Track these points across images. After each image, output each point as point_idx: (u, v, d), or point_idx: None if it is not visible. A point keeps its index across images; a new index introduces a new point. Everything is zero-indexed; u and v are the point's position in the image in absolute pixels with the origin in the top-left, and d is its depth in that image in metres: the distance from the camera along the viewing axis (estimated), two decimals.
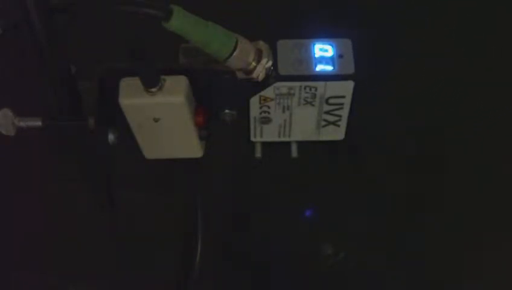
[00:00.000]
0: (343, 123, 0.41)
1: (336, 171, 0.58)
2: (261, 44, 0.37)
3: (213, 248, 0.54)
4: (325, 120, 0.41)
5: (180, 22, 0.33)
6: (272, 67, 0.37)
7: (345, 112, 0.40)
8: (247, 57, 0.36)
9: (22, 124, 0.38)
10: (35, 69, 0.35)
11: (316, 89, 0.38)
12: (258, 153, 0.43)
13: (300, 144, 0.43)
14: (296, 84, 0.38)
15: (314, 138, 0.42)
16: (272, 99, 0.39)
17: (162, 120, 0.39)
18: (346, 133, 0.42)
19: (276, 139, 0.42)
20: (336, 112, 0.40)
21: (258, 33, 0.38)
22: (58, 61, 0.35)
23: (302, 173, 0.56)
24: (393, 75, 0.59)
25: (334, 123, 0.41)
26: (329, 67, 0.37)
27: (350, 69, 0.37)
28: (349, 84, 0.38)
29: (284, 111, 0.40)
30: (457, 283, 0.54)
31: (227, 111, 0.41)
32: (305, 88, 0.38)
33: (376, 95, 0.55)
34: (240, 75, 0.38)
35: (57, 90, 0.37)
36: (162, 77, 0.37)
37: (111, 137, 0.40)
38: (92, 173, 0.44)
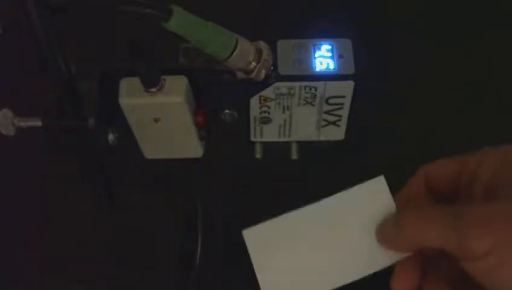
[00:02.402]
0: (343, 123, 0.41)
1: (336, 171, 0.58)
2: (261, 44, 0.37)
3: (213, 248, 0.54)
4: (325, 120, 0.41)
5: (180, 22, 0.33)
6: (272, 67, 0.37)
7: (345, 112, 0.40)
8: (247, 57, 0.36)
9: (22, 124, 0.38)
10: (35, 69, 0.35)
11: (316, 89, 0.38)
12: (258, 153, 0.43)
13: (300, 144, 0.43)
14: (296, 84, 0.38)
15: (314, 138, 0.42)
16: (272, 99, 0.39)
17: (162, 120, 0.39)
18: (346, 133, 0.42)
19: (276, 139, 0.42)
20: (336, 112, 0.40)
21: (258, 33, 0.38)
22: (58, 61, 0.35)
23: (302, 174, 0.56)
24: (394, 75, 0.59)
25: (334, 123, 0.41)
26: (329, 67, 0.37)
27: (350, 69, 0.37)
28: (349, 84, 0.38)
29: (284, 111, 0.40)
30: None
31: (227, 111, 0.41)
32: (305, 88, 0.38)
33: (376, 94, 0.55)
34: (240, 75, 0.38)
35: (57, 90, 0.37)
36: (162, 77, 0.37)
37: (111, 137, 0.40)
38: (92, 173, 0.44)
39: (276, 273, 0.36)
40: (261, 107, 0.39)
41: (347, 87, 0.38)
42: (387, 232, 0.35)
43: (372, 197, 0.36)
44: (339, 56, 0.37)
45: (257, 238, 0.37)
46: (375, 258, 0.36)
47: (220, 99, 0.40)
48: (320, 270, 0.36)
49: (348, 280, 0.36)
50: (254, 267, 0.37)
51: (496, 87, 0.60)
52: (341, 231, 0.36)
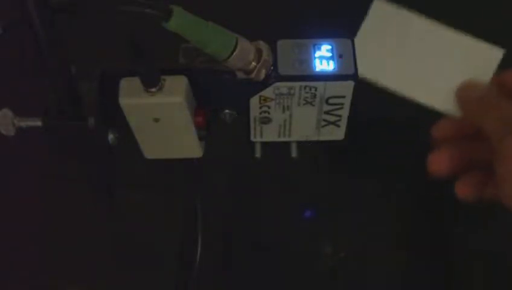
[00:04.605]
0: (343, 123, 0.41)
1: (336, 171, 0.58)
2: (261, 44, 0.37)
3: (213, 248, 0.54)
4: (325, 120, 0.41)
5: (180, 22, 0.33)
6: (272, 67, 0.37)
7: (345, 112, 0.40)
8: (247, 57, 0.36)
9: (22, 124, 0.38)
10: (35, 69, 0.35)
11: (316, 89, 0.38)
12: (258, 153, 0.43)
13: (300, 144, 0.43)
14: (296, 84, 0.38)
15: (314, 138, 0.42)
16: (272, 99, 0.39)
17: (162, 120, 0.39)
18: (346, 133, 0.42)
19: (276, 139, 0.42)
20: (336, 112, 0.40)
21: (258, 33, 0.38)
22: (58, 61, 0.35)
23: (302, 173, 0.56)
24: None
25: (334, 123, 0.41)
26: (329, 67, 0.37)
27: (350, 69, 0.37)
28: (349, 84, 0.38)
29: (284, 111, 0.40)
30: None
31: (227, 111, 0.41)
32: (305, 88, 0.38)
33: (376, 94, 0.55)
34: (240, 75, 0.38)
35: (57, 90, 0.37)
36: (162, 77, 0.37)
37: (111, 137, 0.40)
38: (92, 173, 0.44)
39: (376, 52, 0.39)
40: (261, 107, 0.39)
41: (347, 87, 0.38)
42: (469, 91, 0.37)
43: (482, 58, 0.39)
44: (339, 56, 0.37)
45: (382, 11, 0.40)
46: (441, 96, 0.39)
47: (220, 99, 0.40)
48: (404, 72, 0.40)
49: (414, 95, 0.40)
50: (360, 29, 0.41)
51: None
52: (439, 57, 0.39)
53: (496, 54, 0.39)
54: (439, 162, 0.38)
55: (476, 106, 0.36)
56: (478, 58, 0.38)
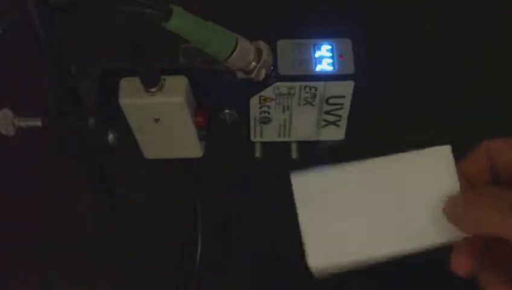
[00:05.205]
0: (343, 123, 0.41)
1: None
2: (261, 44, 0.37)
3: (213, 248, 0.54)
4: (325, 120, 0.41)
5: (180, 22, 0.33)
6: (272, 67, 0.37)
7: (345, 112, 0.40)
8: (247, 57, 0.36)
9: (22, 124, 0.38)
10: (35, 69, 0.35)
11: (316, 89, 0.38)
12: (258, 153, 0.43)
13: (300, 145, 0.43)
14: (296, 84, 0.38)
15: (314, 138, 0.42)
16: (272, 99, 0.39)
17: (162, 120, 0.39)
18: (346, 133, 0.42)
19: (276, 139, 0.42)
20: (336, 112, 0.40)
21: (258, 33, 0.38)
22: (58, 61, 0.35)
23: None
24: (394, 75, 0.59)
25: (334, 123, 0.41)
26: (329, 67, 0.37)
27: (350, 69, 0.37)
28: (349, 84, 0.38)
29: (284, 111, 0.40)
30: None
31: (227, 111, 0.41)
32: (305, 88, 0.38)
33: (376, 94, 0.55)
34: (240, 75, 0.38)
35: (57, 90, 0.37)
36: (162, 77, 0.37)
37: (111, 137, 0.40)
38: (92, 173, 0.44)
39: (320, 228, 0.33)
40: (261, 107, 0.40)
41: (347, 87, 0.38)
42: (455, 209, 0.32)
43: (434, 166, 0.33)
44: (339, 56, 0.37)
45: (306, 186, 0.33)
46: (432, 232, 0.32)
47: (220, 99, 0.40)
48: (370, 233, 0.32)
49: (399, 249, 0.32)
50: (299, 217, 0.34)
51: (498, 90, 0.60)
52: (396, 194, 0.32)
53: (445, 152, 0.33)
54: (459, 264, 0.33)
55: (483, 215, 0.31)
56: (432, 166, 0.32)
